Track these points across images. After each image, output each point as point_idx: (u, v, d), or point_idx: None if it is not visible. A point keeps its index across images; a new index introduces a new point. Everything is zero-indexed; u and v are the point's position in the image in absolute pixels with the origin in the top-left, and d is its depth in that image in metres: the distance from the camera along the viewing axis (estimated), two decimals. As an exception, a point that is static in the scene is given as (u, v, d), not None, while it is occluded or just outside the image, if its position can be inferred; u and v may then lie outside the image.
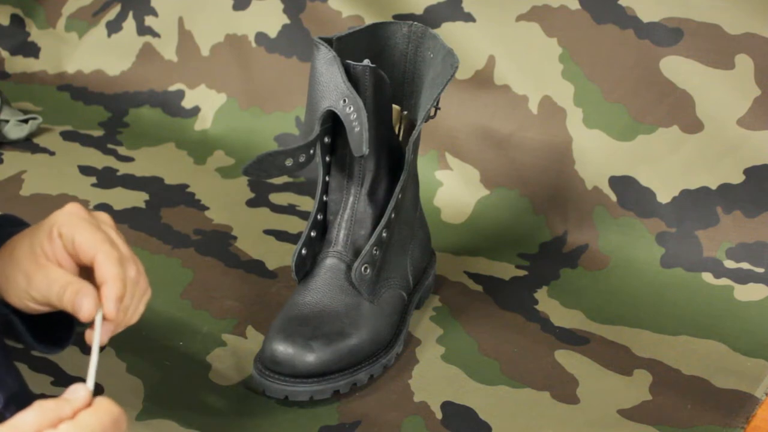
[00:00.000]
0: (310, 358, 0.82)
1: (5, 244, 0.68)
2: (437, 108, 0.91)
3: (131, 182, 1.28)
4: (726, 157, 1.10)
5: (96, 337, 0.62)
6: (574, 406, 0.85)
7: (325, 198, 0.91)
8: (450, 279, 1.06)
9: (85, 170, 1.31)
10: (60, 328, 0.71)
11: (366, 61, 0.85)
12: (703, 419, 0.82)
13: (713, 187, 1.10)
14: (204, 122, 1.48)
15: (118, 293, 0.62)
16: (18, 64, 1.73)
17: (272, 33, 1.45)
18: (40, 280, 0.63)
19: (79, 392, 0.56)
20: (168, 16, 1.58)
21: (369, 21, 1.34)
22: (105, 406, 0.56)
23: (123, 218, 1.17)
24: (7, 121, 1.39)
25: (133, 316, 0.67)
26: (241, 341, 0.93)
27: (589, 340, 0.95)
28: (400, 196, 0.89)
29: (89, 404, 0.56)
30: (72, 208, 0.66)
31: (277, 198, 1.26)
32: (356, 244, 0.89)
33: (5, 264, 0.66)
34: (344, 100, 0.83)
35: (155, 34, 1.59)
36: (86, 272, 0.65)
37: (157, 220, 1.17)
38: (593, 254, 1.12)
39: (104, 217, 0.68)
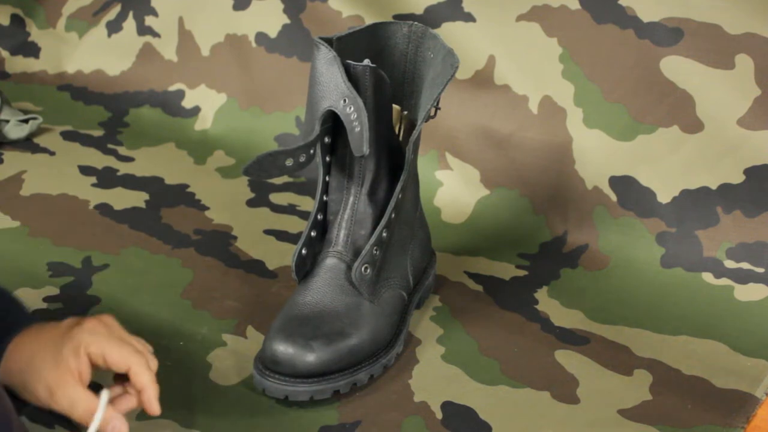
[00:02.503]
0: (310, 358, 0.82)
1: (20, 340, 0.74)
2: (437, 108, 0.91)
3: (131, 182, 1.28)
4: (726, 157, 1.10)
5: (96, 420, 0.70)
6: (574, 406, 0.85)
7: (325, 198, 0.91)
8: (450, 279, 1.06)
9: (85, 170, 1.31)
10: None
11: (366, 61, 0.85)
12: (703, 419, 0.82)
13: (713, 187, 1.10)
14: (204, 122, 1.48)
15: (157, 393, 0.73)
16: (18, 64, 1.72)
17: (272, 33, 1.45)
18: (62, 396, 0.71)
19: None
20: (168, 16, 1.58)
21: (369, 21, 1.34)
22: None
23: (123, 218, 1.17)
24: (7, 121, 1.39)
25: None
26: (241, 341, 0.93)
27: (589, 340, 0.95)
28: (400, 196, 0.89)
29: None
30: (89, 326, 0.74)
31: (277, 198, 1.26)
32: (356, 244, 0.89)
33: (23, 369, 0.73)
34: (344, 100, 0.83)
35: (155, 34, 1.59)
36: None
37: (157, 220, 1.17)
38: (593, 254, 1.12)
39: (110, 320, 0.77)
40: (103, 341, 0.73)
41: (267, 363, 0.83)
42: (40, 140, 1.41)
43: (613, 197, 1.15)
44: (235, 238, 1.14)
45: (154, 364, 0.76)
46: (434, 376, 0.88)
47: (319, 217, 0.90)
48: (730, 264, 1.07)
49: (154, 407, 0.73)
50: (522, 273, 1.09)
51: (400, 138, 0.93)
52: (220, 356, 0.90)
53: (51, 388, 0.71)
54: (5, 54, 1.73)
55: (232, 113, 1.47)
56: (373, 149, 0.88)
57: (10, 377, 0.74)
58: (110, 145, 1.41)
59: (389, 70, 0.90)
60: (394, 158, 0.91)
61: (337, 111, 0.83)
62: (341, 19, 1.37)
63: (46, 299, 0.97)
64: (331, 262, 0.88)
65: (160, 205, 1.21)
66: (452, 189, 1.25)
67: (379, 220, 0.89)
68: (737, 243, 1.08)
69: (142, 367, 0.73)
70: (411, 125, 0.93)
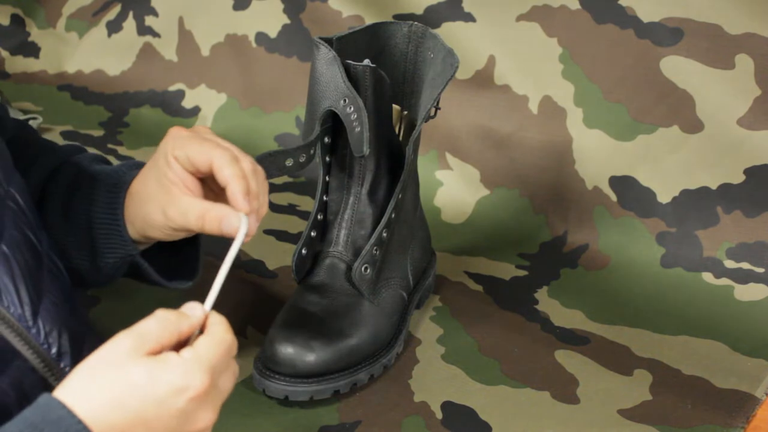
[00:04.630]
0: (311, 358, 0.82)
1: (132, 186, 0.74)
2: (437, 108, 0.91)
3: (131, 182, 1.28)
4: (726, 157, 1.10)
5: (234, 248, 0.63)
6: (574, 406, 0.85)
7: (325, 198, 0.91)
8: (450, 279, 1.06)
9: (85, 170, 1.31)
10: (186, 262, 0.80)
11: (366, 61, 0.85)
12: (703, 419, 0.82)
13: (713, 187, 1.10)
14: (204, 122, 1.48)
15: (243, 188, 0.67)
16: (18, 64, 1.73)
17: (272, 33, 1.45)
18: (174, 212, 0.70)
19: (195, 311, 0.59)
20: (168, 16, 1.58)
21: (369, 21, 1.34)
22: (219, 335, 0.58)
23: (123, 218, 1.17)
24: (7, 121, 1.39)
25: (263, 207, 0.70)
26: (241, 341, 0.93)
27: (589, 340, 0.95)
28: (400, 196, 0.89)
29: (203, 325, 0.59)
30: (173, 131, 0.71)
31: (277, 198, 1.26)
32: (356, 244, 0.89)
33: (141, 204, 0.72)
34: (344, 100, 0.83)
35: (155, 34, 1.59)
36: (212, 193, 0.73)
37: (157, 220, 1.17)
38: (593, 254, 1.12)
39: (203, 128, 0.72)
40: (185, 141, 0.69)
41: (267, 363, 0.83)
42: (40, 140, 1.41)
43: (613, 197, 1.15)
44: (235, 238, 1.14)
45: (246, 163, 0.69)
46: (434, 376, 0.88)
47: (319, 217, 0.90)
48: (730, 264, 1.07)
49: (241, 204, 0.67)
50: (522, 273, 1.09)
51: (400, 138, 0.93)
52: (220, 356, 0.90)
53: (163, 208, 0.70)
54: (5, 54, 1.73)
55: (232, 113, 1.47)
56: (373, 149, 0.88)
57: (134, 225, 0.74)
58: (110, 145, 1.41)
59: (389, 70, 0.90)
60: (394, 158, 0.91)
61: (337, 111, 0.83)
62: (341, 19, 1.37)
63: (46, 299, 0.97)
64: (331, 262, 0.88)
65: (160, 205, 1.21)
66: (452, 189, 1.25)
67: (379, 220, 0.89)
68: (737, 243, 1.07)
69: (224, 159, 0.68)
70: (411, 125, 0.93)
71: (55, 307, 0.65)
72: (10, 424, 0.52)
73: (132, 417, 0.53)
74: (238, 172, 0.68)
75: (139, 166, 0.77)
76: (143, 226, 0.73)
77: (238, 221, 0.66)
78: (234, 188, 0.67)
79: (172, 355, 0.55)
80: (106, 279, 0.79)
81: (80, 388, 0.54)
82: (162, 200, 0.71)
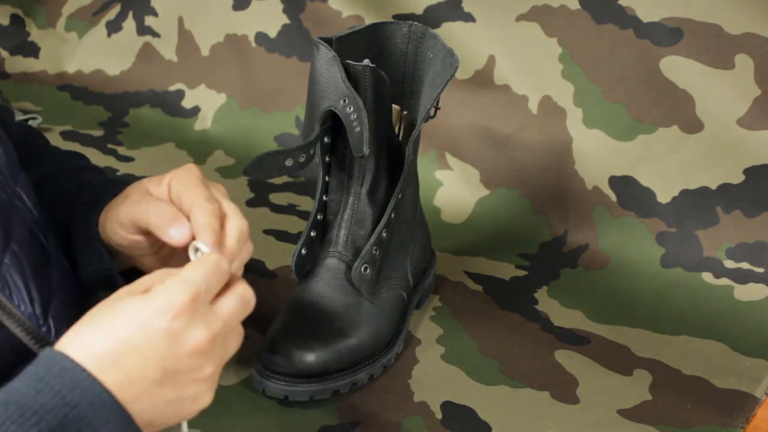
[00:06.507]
0: (310, 357, 0.82)
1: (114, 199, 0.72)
2: (437, 108, 0.91)
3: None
4: (726, 157, 1.10)
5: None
6: (574, 406, 0.85)
7: (325, 198, 0.91)
8: (450, 279, 1.06)
9: (85, 170, 1.31)
10: None
11: (366, 61, 0.85)
12: (703, 419, 0.82)
13: (713, 187, 1.10)
14: (204, 122, 1.48)
15: (210, 238, 0.64)
16: (18, 64, 1.73)
17: (272, 33, 1.45)
18: (141, 206, 0.67)
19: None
20: (168, 16, 1.58)
21: (369, 21, 1.34)
22: (207, 257, 0.59)
23: (123, 218, 1.17)
24: (7, 121, 1.39)
25: (238, 271, 0.69)
26: (241, 341, 0.93)
27: (589, 340, 0.95)
28: (400, 196, 0.89)
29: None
30: (190, 167, 0.70)
31: (277, 198, 1.26)
32: (356, 244, 0.89)
33: (113, 206, 0.70)
34: (344, 100, 0.83)
35: (155, 34, 1.59)
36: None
37: (157, 220, 1.17)
38: (593, 254, 1.12)
39: (218, 186, 0.71)
40: (189, 179, 0.68)
41: (267, 363, 0.83)
42: (40, 140, 1.41)
43: (613, 197, 1.15)
44: (235, 238, 1.13)
45: (235, 222, 0.68)
46: (434, 376, 0.88)
47: (319, 217, 0.90)
48: (730, 264, 1.07)
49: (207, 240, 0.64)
50: (522, 273, 1.09)
51: (400, 138, 0.93)
52: (220, 356, 0.90)
53: (132, 203, 0.68)
54: (5, 54, 1.73)
55: (232, 113, 1.47)
56: (373, 149, 0.88)
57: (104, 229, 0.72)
58: (110, 145, 1.41)
59: (389, 70, 0.90)
60: (394, 158, 0.91)
61: (336, 111, 0.83)
62: (341, 19, 1.37)
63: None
64: (331, 262, 0.88)
65: (160, 205, 1.21)
66: (452, 189, 1.25)
67: (379, 220, 0.89)
68: (737, 243, 1.07)
69: (204, 210, 0.65)
70: (411, 125, 0.93)
71: (65, 305, 0.64)
72: (16, 380, 0.52)
73: (120, 345, 0.53)
74: (210, 225, 0.65)
75: (126, 182, 0.75)
76: (104, 221, 0.71)
77: (184, 232, 0.64)
78: (201, 239, 0.64)
79: (157, 284, 0.56)
80: (90, 293, 0.77)
81: (74, 334, 0.54)
82: (134, 199, 0.69)
